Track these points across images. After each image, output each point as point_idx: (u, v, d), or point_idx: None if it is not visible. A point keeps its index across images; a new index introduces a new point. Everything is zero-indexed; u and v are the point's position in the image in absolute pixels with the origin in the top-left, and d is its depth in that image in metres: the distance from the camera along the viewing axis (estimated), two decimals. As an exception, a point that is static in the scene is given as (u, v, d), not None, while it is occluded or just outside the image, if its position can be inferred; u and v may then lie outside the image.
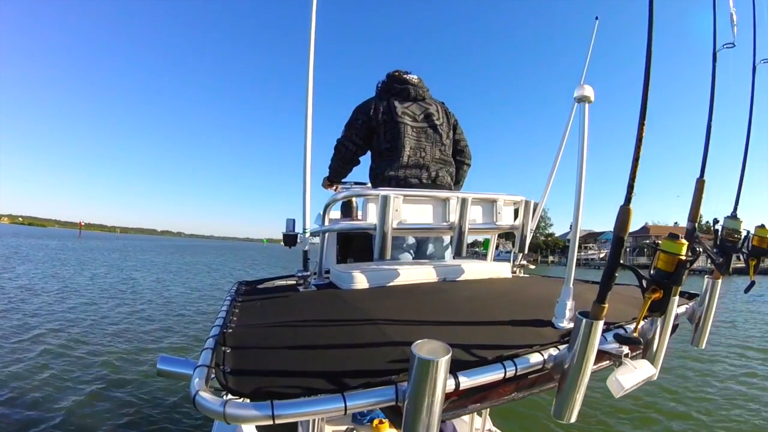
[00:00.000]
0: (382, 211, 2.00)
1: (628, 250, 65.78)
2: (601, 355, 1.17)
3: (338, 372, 0.98)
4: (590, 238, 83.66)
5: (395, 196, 2.07)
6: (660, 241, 1.07)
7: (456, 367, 0.97)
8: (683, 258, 1.03)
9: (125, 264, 24.02)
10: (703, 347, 1.80)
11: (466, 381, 0.96)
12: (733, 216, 1.73)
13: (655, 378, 1.38)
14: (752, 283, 1.94)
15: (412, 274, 2.24)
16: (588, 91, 1.31)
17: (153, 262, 25.84)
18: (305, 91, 2.22)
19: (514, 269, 2.78)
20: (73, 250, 36.43)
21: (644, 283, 1.09)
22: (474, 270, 2.46)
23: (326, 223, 2.16)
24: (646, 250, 61.82)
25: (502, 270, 2.60)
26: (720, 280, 1.76)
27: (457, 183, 3.12)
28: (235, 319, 1.53)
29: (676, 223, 74.37)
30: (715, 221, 1.76)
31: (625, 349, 1.20)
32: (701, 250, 1.65)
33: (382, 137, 2.80)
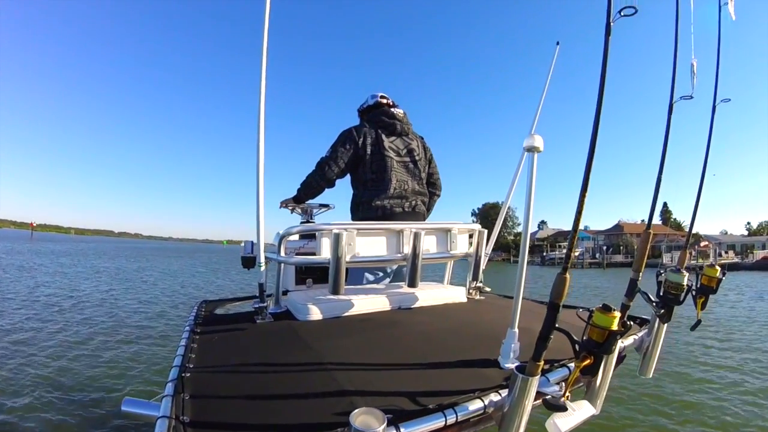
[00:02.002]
0: (335, 248, 2.11)
1: (603, 248, 67.11)
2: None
3: (287, 426, 1.10)
4: (560, 236, 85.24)
5: (349, 230, 2.20)
6: (593, 311, 1.19)
7: (398, 418, 1.09)
8: (614, 330, 1.15)
9: (74, 271, 22.31)
10: (650, 376, 1.96)
11: None
12: (677, 270, 1.85)
13: (597, 413, 1.56)
14: (698, 322, 2.08)
15: (367, 303, 2.35)
16: (537, 141, 1.41)
17: (105, 269, 24.36)
18: (257, 115, 2.30)
19: (470, 292, 2.92)
20: (20, 253, 34.99)
21: (577, 347, 1.20)
22: (429, 296, 2.58)
23: (282, 254, 2.25)
24: (621, 248, 63.24)
25: (457, 294, 2.73)
26: (665, 325, 1.90)
27: (428, 210, 3.46)
28: (193, 356, 1.63)
29: (642, 220, 76.14)
30: (659, 273, 1.89)
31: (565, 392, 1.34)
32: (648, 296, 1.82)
33: (368, 167, 3.08)
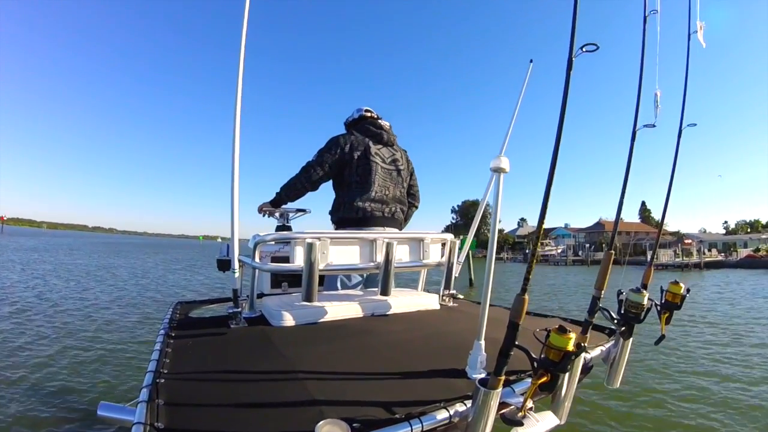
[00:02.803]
0: (308, 257, 2.18)
1: (586, 246, 67.94)
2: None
3: None
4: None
5: (322, 239, 2.27)
6: (551, 332, 1.25)
7: (365, 428, 1.15)
8: (569, 350, 1.22)
9: (41, 268, 21.26)
10: (617, 386, 2.04)
11: None
12: (638, 290, 1.92)
13: (562, 423, 1.64)
14: (662, 337, 2.17)
15: (340, 310, 2.41)
16: (504, 163, 1.48)
17: (77, 267, 23.45)
18: (232, 125, 2.31)
19: (444, 299, 3.01)
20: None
21: (535, 364, 1.27)
22: (402, 303, 2.64)
23: (257, 259, 2.29)
24: (603, 245, 63.90)
25: (430, 302, 2.80)
26: (629, 342, 1.98)
27: (405, 220, 3.63)
28: (167, 362, 1.66)
29: (621, 219, 77.09)
30: (620, 292, 1.96)
31: (529, 403, 1.38)
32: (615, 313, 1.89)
33: (354, 171, 3.21)
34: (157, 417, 1.19)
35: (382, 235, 2.54)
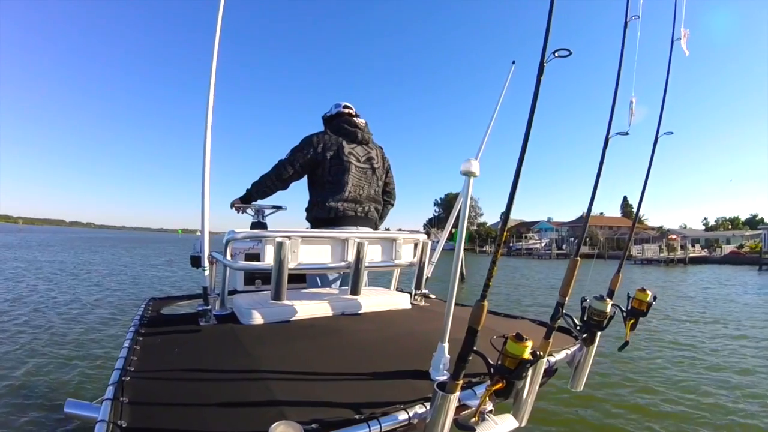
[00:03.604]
0: (278, 256, 2.19)
1: (570, 240, 68.52)
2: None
3: None
4: (522, 227, 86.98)
5: (293, 238, 2.29)
6: (508, 338, 1.27)
7: (324, 427, 1.18)
8: (525, 358, 1.25)
9: (12, 266, 20.60)
10: (580, 390, 2.06)
11: None
12: (601, 298, 1.94)
13: (522, 426, 1.67)
14: (626, 343, 2.21)
15: (310, 309, 2.43)
16: (474, 167, 1.48)
17: (52, 264, 22.75)
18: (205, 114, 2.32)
19: (416, 298, 3.03)
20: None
21: (492, 370, 1.29)
22: (373, 302, 2.66)
23: (228, 257, 2.30)
24: (589, 239, 64.60)
25: (402, 301, 2.83)
26: (593, 346, 2.02)
27: (380, 218, 3.67)
28: (135, 359, 1.69)
29: (602, 213, 78.88)
30: (583, 299, 1.97)
31: (489, 406, 1.41)
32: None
33: (327, 171, 3.23)
34: (121, 415, 1.21)
35: (353, 234, 2.56)
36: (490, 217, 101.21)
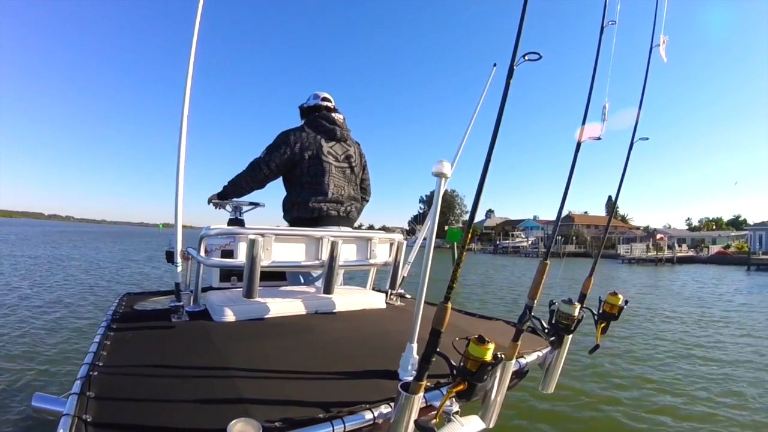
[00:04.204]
0: (250, 253, 2.20)
1: (558, 238, 68.99)
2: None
3: (186, 430, 1.20)
4: (508, 225, 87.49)
5: (266, 236, 2.31)
6: (470, 341, 1.29)
7: (288, 426, 1.20)
8: (487, 361, 1.26)
9: None
10: (551, 392, 2.10)
11: None
12: (569, 301, 1.97)
13: (490, 427, 1.69)
14: (596, 346, 2.24)
15: (284, 307, 2.45)
16: (446, 168, 1.52)
17: (26, 259, 21.74)
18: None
19: (391, 298, 3.05)
20: None
21: (454, 372, 1.31)
22: (347, 302, 2.68)
23: (202, 253, 2.31)
24: (575, 238, 65.18)
25: (377, 301, 2.86)
26: (565, 349, 2.04)
27: (357, 215, 3.67)
28: (104, 354, 1.71)
29: (586, 212, 79.73)
30: (552, 302, 2.01)
31: (455, 407, 1.44)
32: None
33: (305, 171, 3.21)
34: (86, 409, 1.23)
35: (328, 233, 2.58)
36: (477, 214, 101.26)
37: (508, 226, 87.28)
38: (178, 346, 1.94)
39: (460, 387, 1.30)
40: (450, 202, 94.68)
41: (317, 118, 3.38)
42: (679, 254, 51.34)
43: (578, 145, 2.01)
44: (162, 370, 1.64)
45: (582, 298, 2.14)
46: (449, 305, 1.31)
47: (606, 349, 8.09)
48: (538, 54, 1.35)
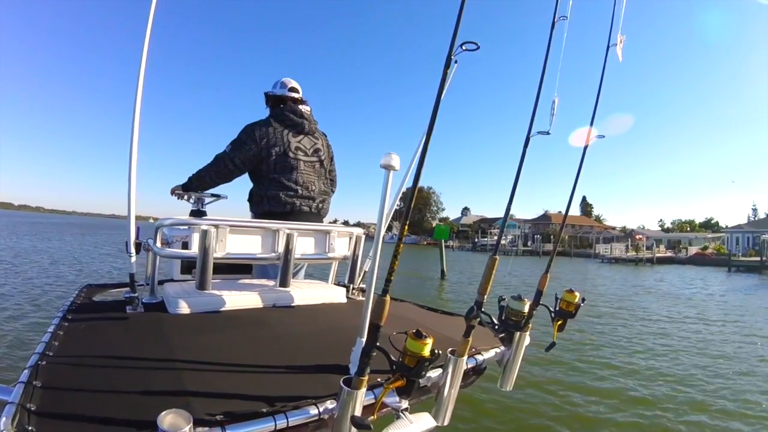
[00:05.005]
0: (203, 244, 2.19)
1: (537, 237, 69.97)
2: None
3: (112, 420, 1.18)
4: (484, 222, 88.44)
5: (221, 227, 2.30)
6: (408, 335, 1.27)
7: (230, 419, 1.18)
8: (425, 356, 1.24)
9: None
10: (510, 389, 2.08)
11: None
12: (518, 298, 1.96)
13: (445, 424, 1.67)
14: (553, 344, 2.24)
15: (240, 300, 2.43)
16: (394, 161, 1.50)
17: None
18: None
19: (353, 292, 3.04)
20: None
21: (394, 367, 1.29)
22: (307, 295, 2.67)
23: (158, 244, 2.30)
24: (551, 237, 66.02)
25: (337, 295, 2.84)
26: (526, 339, 2.04)
27: None
28: (56, 344, 1.71)
29: (559, 211, 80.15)
30: (501, 298, 2.00)
31: (404, 404, 1.41)
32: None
33: (272, 168, 3.15)
34: (31, 398, 1.24)
35: (284, 225, 2.56)
36: (451, 212, 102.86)
37: (485, 224, 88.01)
38: (129, 338, 1.94)
39: (398, 383, 1.29)
40: (426, 199, 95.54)
41: (284, 111, 3.30)
42: (658, 255, 52.38)
43: (527, 140, 2.00)
44: (110, 361, 1.64)
45: (538, 295, 2.14)
46: (388, 298, 1.29)
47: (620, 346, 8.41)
48: (476, 44, 1.34)
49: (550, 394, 6.09)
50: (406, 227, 1.43)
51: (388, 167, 1.51)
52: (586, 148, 2.35)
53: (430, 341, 1.26)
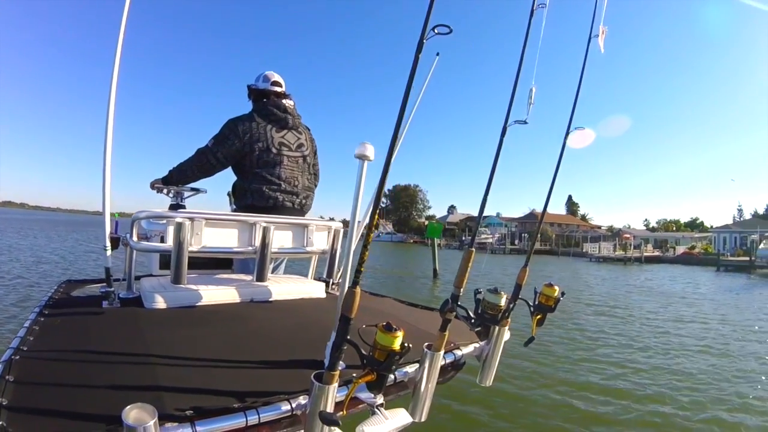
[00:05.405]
0: (177, 237, 2.18)
1: (523, 236, 70.40)
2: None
3: (95, 416, 1.16)
4: (470, 221, 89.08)
5: (196, 220, 2.29)
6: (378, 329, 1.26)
7: (199, 414, 1.16)
8: (395, 350, 1.23)
9: None
10: (489, 385, 2.07)
11: (203, 431, 1.13)
12: (495, 291, 1.94)
13: (423, 420, 1.65)
14: (531, 339, 2.23)
15: (217, 295, 2.41)
16: (368, 150, 1.50)
17: None
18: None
19: (333, 287, 3.03)
20: None
21: (364, 361, 1.27)
22: (285, 290, 2.66)
23: (134, 238, 2.29)
24: (540, 235, 66.45)
25: (316, 290, 2.83)
26: (505, 334, 2.02)
27: None
28: (31, 339, 1.71)
29: (533, 208, 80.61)
30: (477, 291, 1.99)
31: (379, 399, 1.39)
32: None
33: (255, 162, 3.12)
34: (3, 393, 1.23)
35: (261, 218, 2.54)
36: (438, 210, 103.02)
37: (471, 222, 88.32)
38: (103, 333, 1.92)
39: (368, 377, 1.27)
40: (413, 197, 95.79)
41: (267, 106, 3.28)
42: (646, 254, 52.71)
43: (504, 129, 1.98)
44: (84, 356, 1.62)
45: (517, 289, 2.12)
46: (358, 290, 1.27)
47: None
48: (448, 27, 1.30)
49: (558, 394, 6.09)
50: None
51: (362, 157, 1.51)
52: (565, 139, 2.33)
53: (400, 334, 1.24)
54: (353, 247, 1.62)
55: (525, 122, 1.99)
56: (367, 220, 1.66)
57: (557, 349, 8.15)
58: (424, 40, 1.31)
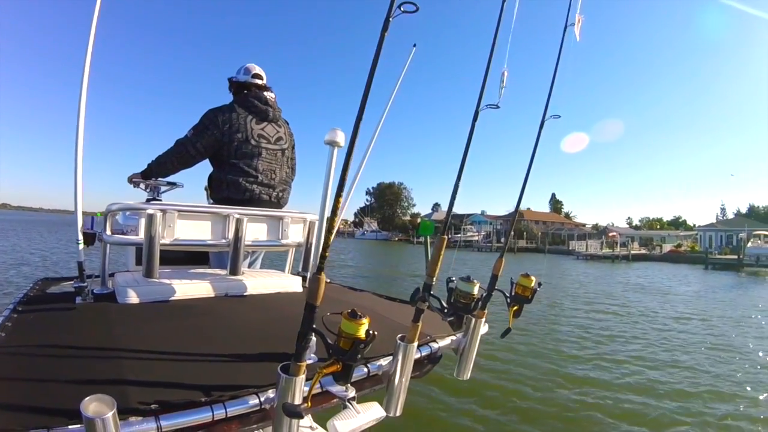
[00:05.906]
0: (149, 230, 2.16)
1: (511, 233, 70.91)
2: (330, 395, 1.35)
3: (59, 410, 1.14)
4: (455, 219, 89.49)
5: (169, 212, 2.27)
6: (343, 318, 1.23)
7: (165, 408, 1.14)
8: (360, 338, 1.19)
9: None
10: (467, 378, 2.03)
11: (168, 425, 1.11)
12: (467, 279, 1.91)
13: (397, 414, 1.61)
14: (508, 330, 2.18)
15: (191, 289, 2.39)
16: (339, 137, 1.48)
17: None
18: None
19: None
20: None
21: (330, 351, 1.23)
22: (260, 284, 2.63)
23: (108, 232, 2.27)
24: (525, 233, 66.86)
25: (292, 284, 2.80)
26: (481, 327, 2.00)
27: None
28: (3, 335, 1.71)
29: (528, 208, 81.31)
30: (450, 280, 1.95)
31: (351, 393, 1.37)
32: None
33: (233, 153, 3.09)
34: None
35: (234, 210, 2.51)
36: (422, 208, 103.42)
37: (456, 220, 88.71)
38: (74, 328, 1.93)
39: (334, 368, 1.24)
40: (397, 195, 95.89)
41: (248, 97, 3.26)
42: (633, 252, 52.99)
43: (476, 114, 1.91)
44: (52, 351, 1.61)
45: (493, 280, 2.09)
46: (323, 276, 1.23)
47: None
48: (415, 5, 1.26)
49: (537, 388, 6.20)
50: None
51: (332, 143, 1.50)
52: (540, 129, 2.31)
53: (365, 321, 1.21)
54: (322, 235, 1.59)
55: (497, 106, 1.94)
56: (340, 210, 1.60)
57: (564, 348, 8.27)
58: (390, 18, 1.28)
